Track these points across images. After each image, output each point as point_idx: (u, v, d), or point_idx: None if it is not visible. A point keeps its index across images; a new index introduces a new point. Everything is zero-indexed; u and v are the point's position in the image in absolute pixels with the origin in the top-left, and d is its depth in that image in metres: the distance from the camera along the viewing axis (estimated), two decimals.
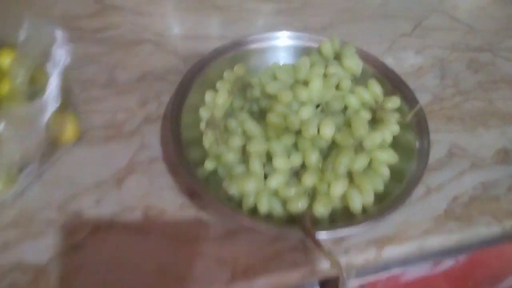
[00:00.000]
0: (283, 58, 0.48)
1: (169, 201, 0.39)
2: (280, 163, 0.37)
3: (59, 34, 0.35)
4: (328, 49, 0.45)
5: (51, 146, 0.38)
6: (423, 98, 0.43)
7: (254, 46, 0.48)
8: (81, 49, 0.52)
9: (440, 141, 0.40)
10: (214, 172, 0.40)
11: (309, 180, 0.37)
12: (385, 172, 0.39)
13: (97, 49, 0.53)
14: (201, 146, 0.41)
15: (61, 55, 0.34)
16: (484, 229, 0.40)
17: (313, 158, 0.38)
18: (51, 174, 0.40)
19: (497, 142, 0.47)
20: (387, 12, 0.63)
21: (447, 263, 0.47)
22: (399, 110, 0.42)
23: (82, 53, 0.52)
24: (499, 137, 0.47)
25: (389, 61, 0.53)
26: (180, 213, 0.39)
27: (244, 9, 0.61)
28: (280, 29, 0.57)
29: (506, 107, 0.50)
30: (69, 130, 0.41)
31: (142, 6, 0.60)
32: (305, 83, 0.42)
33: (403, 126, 0.41)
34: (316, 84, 0.41)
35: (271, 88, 0.42)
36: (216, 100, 0.43)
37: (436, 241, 0.39)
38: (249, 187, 0.36)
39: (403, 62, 0.54)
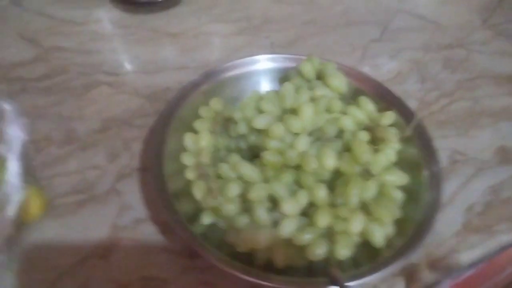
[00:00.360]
0: (260, 84, 0.44)
1: (168, 268, 0.34)
2: (289, 208, 0.33)
3: (7, 107, 0.28)
4: (308, 69, 0.42)
5: (16, 230, 0.32)
6: (409, 105, 0.40)
7: (227, 74, 0.44)
8: (27, 103, 0.46)
9: (439, 148, 0.38)
10: (212, 225, 0.35)
11: (323, 220, 0.33)
12: (398, 196, 0.36)
13: (46, 100, 0.46)
14: (190, 198, 0.35)
15: (15, 134, 0.27)
16: (506, 237, 0.38)
17: (321, 194, 0.34)
18: (22, 262, 0.33)
19: (493, 141, 0.45)
20: (351, 19, 0.60)
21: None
22: (394, 124, 0.39)
23: (29, 107, 0.45)
24: (493, 136, 0.46)
25: (366, 70, 0.51)
26: (183, 278, 0.33)
27: (201, 33, 0.57)
28: (244, 50, 0.54)
29: (492, 103, 0.49)
30: (33, 205, 0.34)
31: (87, 44, 0.54)
32: (294, 111, 0.38)
33: (403, 141, 0.39)
34: (308, 111, 0.37)
35: (259, 122, 0.37)
36: (199, 143, 0.38)
37: (462, 259, 0.36)
38: (261, 240, 0.32)
39: (380, 69, 0.52)
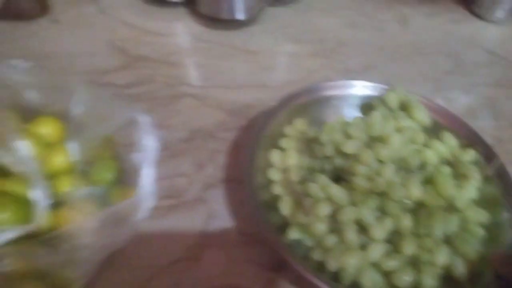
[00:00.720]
0: (340, 109, 0.46)
1: (253, 278, 0.36)
2: (378, 232, 0.35)
3: (144, 119, 0.31)
4: (393, 99, 0.44)
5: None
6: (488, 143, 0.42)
7: (309, 96, 0.46)
8: None
9: None
10: (297, 242, 0.37)
11: (409, 248, 0.34)
12: (480, 232, 0.37)
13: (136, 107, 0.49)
14: (276, 212, 0.38)
15: (150, 144, 0.30)
16: None
17: (407, 222, 0.35)
18: (119, 257, 0.36)
19: None
20: (422, 48, 0.62)
21: None
22: (474, 162, 0.41)
23: None
24: None
25: (439, 103, 0.52)
26: None
27: (277, 52, 0.59)
28: (320, 73, 0.56)
29: None
30: None
31: (171, 56, 0.57)
32: (382, 139, 0.40)
33: (483, 179, 0.40)
34: (396, 141, 0.39)
35: (349, 147, 0.39)
36: (286, 160, 0.40)
37: None
38: (350, 262, 0.33)
39: (453, 103, 0.53)
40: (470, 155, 0.40)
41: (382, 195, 0.37)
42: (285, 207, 0.38)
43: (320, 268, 0.35)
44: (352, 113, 0.46)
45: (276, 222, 0.37)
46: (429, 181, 0.38)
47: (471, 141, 0.42)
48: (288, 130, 0.43)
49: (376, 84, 0.46)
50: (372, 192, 0.37)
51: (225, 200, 0.41)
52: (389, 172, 0.38)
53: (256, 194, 0.37)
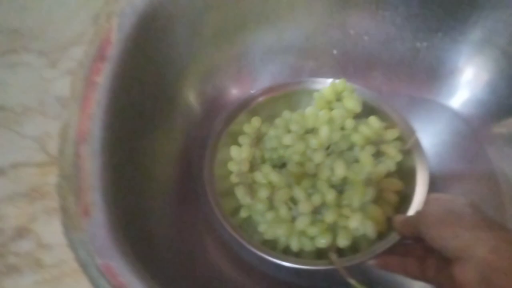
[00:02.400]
0: (298, 103, 0.54)
1: None
2: (304, 207, 0.43)
3: None
4: (330, 93, 0.50)
5: None
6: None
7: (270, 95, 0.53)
8: None
9: None
10: (249, 218, 0.47)
11: (329, 217, 0.43)
12: (394, 198, 0.45)
13: None
14: (233, 197, 0.47)
15: None
16: None
17: (331, 197, 0.44)
18: None
19: None
20: None
21: None
22: (399, 138, 0.48)
23: None
24: None
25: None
26: None
27: None
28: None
29: None
30: None
31: None
32: (315, 130, 0.49)
33: (404, 152, 0.47)
34: (324, 131, 0.47)
35: (286, 140, 0.48)
36: (241, 154, 0.49)
37: None
38: (280, 232, 0.43)
39: None
40: (391, 134, 0.48)
41: (314, 176, 0.46)
42: (239, 193, 0.47)
43: (263, 239, 0.44)
44: (303, 106, 0.53)
45: (232, 205, 0.47)
46: (357, 161, 0.47)
47: (396, 120, 0.49)
48: (246, 127, 0.52)
49: (323, 79, 0.53)
50: (305, 174, 0.46)
51: None
52: (318, 157, 0.46)
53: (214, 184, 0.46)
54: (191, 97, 0.50)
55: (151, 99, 0.42)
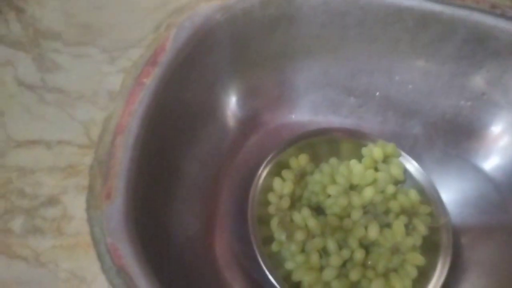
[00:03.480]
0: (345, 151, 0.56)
1: None
2: (336, 260, 0.45)
3: None
4: (379, 153, 0.53)
5: None
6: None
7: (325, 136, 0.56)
8: None
9: None
10: (278, 252, 0.48)
11: (354, 276, 0.45)
12: (414, 272, 0.46)
13: None
14: (267, 226, 0.49)
15: None
16: None
17: (360, 256, 0.46)
18: None
19: None
20: None
21: None
22: (431, 214, 0.49)
23: None
24: None
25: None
26: None
27: None
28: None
29: None
30: None
31: None
32: (359, 187, 0.51)
33: (433, 229, 0.48)
34: (368, 193, 0.49)
35: (331, 190, 0.50)
36: (284, 189, 0.51)
37: None
38: (307, 278, 0.45)
39: None
40: (424, 209, 0.49)
41: (347, 231, 0.48)
42: (274, 227, 0.49)
43: (287, 276, 0.46)
44: (347, 155, 0.55)
45: (264, 234, 0.49)
46: (388, 225, 0.48)
47: (431, 196, 0.50)
48: (292, 162, 0.54)
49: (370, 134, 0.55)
50: (340, 228, 0.48)
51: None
52: (356, 215, 0.48)
53: (255, 210, 0.49)
54: (229, 114, 0.53)
55: (190, 108, 0.46)
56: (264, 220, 0.50)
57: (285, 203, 0.51)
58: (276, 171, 0.53)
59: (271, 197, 0.52)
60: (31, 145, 0.37)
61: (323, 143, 0.56)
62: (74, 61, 0.41)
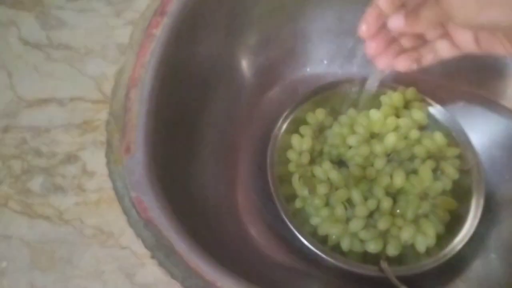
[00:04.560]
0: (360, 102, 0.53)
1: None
2: (361, 210, 0.44)
3: None
4: (399, 100, 0.51)
5: None
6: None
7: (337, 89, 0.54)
8: None
9: None
10: (301, 208, 0.47)
11: (383, 225, 0.43)
12: (446, 217, 0.44)
13: None
14: (289, 184, 0.48)
15: None
16: None
17: (387, 204, 0.44)
18: None
19: None
20: None
21: None
22: (460, 157, 0.47)
23: None
24: None
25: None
26: None
27: None
28: None
29: None
30: None
31: None
32: (380, 136, 0.49)
33: (463, 171, 0.46)
34: (390, 140, 0.47)
35: (351, 141, 0.48)
36: (302, 145, 0.50)
37: None
38: (334, 231, 0.44)
39: None
40: (452, 151, 0.47)
41: (372, 181, 0.46)
42: (296, 183, 0.48)
43: (313, 231, 0.45)
44: (367, 106, 0.52)
45: (287, 192, 0.48)
46: (414, 172, 0.46)
47: (458, 138, 0.48)
48: (309, 117, 0.52)
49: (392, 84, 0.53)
50: (364, 178, 0.46)
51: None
52: (379, 164, 0.46)
53: (275, 168, 0.47)
54: (245, 65, 0.51)
55: (203, 58, 0.44)
56: (286, 179, 0.49)
57: (305, 158, 0.49)
58: (294, 128, 0.51)
59: (291, 154, 0.50)
60: (43, 103, 0.36)
61: (339, 96, 0.54)
62: (79, 16, 0.39)
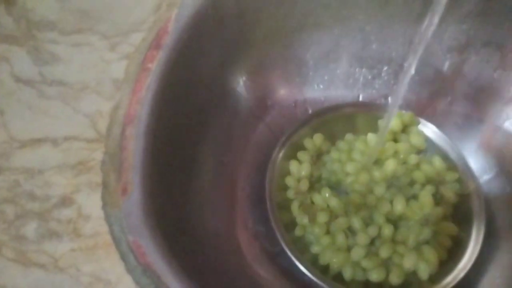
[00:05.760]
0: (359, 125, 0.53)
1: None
2: (362, 238, 0.43)
3: None
4: (398, 124, 0.50)
5: None
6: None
7: (334, 113, 0.53)
8: None
9: None
10: (302, 237, 0.46)
11: (384, 253, 0.43)
12: (448, 242, 0.44)
13: None
14: (288, 211, 0.47)
15: None
16: None
17: (387, 231, 0.44)
18: None
19: None
20: None
21: None
22: (459, 181, 0.47)
23: None
24: None
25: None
26: None
27: None
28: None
29: None
30: None
31: None
32: (379, 161, 0.48)
33: (463, 196, 0.46)
34: (390, 166, 0.47)
35: (350, 168, 0.48)
36: (301, 171, 0.49)
37: None
38: (336, 260, 0.43)
39: None
40: (451, 176, 0.47)
41: (372, 207, 0.46)
42: (296, 211, 0.47)
43: (314, 260, 0.44)
44: (363, 129, 0.52)
45: (287, 219, 0.47)
46: (414, 197, 0.46)
47: (457, 162, 0.48)
48: (307, 143, 0.51)
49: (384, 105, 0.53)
50: (364, 204, 0.46)
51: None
52: (379, 191, 0.46)
53: (273, 196, 0.46)
54: (241, 90, 0.51)
55: (200, 87, 0.43)
56: (284, 205, 0.48)
57: (304, 185, 0.48)
58: (291, 154, 0.50)
59: (289, 181, 0.50)
60: (36, 144, 0.35)
61: (336, 120, 0.53)
62: (73, 50, 0.38)
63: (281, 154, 0.50)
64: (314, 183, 0.50)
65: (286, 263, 0.44)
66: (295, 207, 0.47)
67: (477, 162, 0.49)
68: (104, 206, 0.32)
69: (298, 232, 0.46)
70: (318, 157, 0.52)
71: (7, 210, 0.32)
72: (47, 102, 0.36)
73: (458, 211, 0.46)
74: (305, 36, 0.51)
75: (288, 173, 0.50)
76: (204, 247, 0.40)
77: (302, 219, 0.46)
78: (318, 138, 0.52)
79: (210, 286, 0.32)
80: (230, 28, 0.46)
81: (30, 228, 0.32)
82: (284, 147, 0.50)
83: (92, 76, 0.37)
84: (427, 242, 0.44)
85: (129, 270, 0.30)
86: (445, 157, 0.49)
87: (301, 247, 0.45)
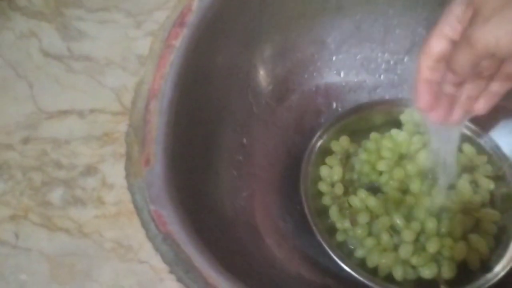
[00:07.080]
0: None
1: None
2: (407, 235, 0.42)
3: None
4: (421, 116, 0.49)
5: None
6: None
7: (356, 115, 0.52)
8: None
9: None
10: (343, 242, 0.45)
11: (432, 247, 0.42)
12: (493, 228, 0.43)
13: None
14: (325, 218, 0.46)
15: None
16: None
17: (431, 225, 0.43)
18: None
19: None
20: None
21: None
22: (491, 162, 0.46)
23: None
24: None
25: None
26: None
27: None
28: None
29: None
30: None
31: None
32: (409, 156, 0.47)
33: (498, 181, 0.45)
34: (421, 157, 0.46)
35: (381, 166, 0.47)
36: (333, 176, 0.48)
37: None
38: (384, 260, 0.42)
39: None
40: (483, 158, 0.46)
41: (411, 203, 0.44)
42: (334, 216, 0.46)
43: (361, 263, 0.43)
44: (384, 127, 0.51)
45: (325, 227, 0.45)
46: (451, 187, 0.45)
47: (485, 145, 0.47)
48: (334, 146, 0.50)
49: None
50: (402, 201, 0.45)
51: None
52: (415, 185, 0.45)
53: (310, 203, 0.46)
54: (262, 73, 0.51)
55: (222, 68, 0.44)
56: (320, 211, 0.46)
57: (339, 189, 0.47)
58: (319, 159, 0.49)
59: (322, 187, 0.48)
60: (63, 115, 0.36)
61: (358, 121, 0.52)
62: (99, 27, 0.39)
63: (311, 161, 0.49)
64: (348, 187, 0.48)
65: (330, 266, 0.43)
66: (334, 212, 0.46)
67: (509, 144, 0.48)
68: (127, 176, 0.33)
69: (339, 237, 0.45)
70: (346, 159, 0.50)
71: (35, 177, 0.33)
72: (74, 76, 0.37)
73: (496, 196, 0.45)
74: (326, 20, 0.51)
75: (319, 179, 0.49)
76: (222, 223, 0.40)
77: (343, 223, 0.45)
78: (344, 141, 0.51)
79: (227, 259, 0.32)
80: (253, 10, 0.46)
81: (56, 195, 0.33)
82: (312, 153, 0.49)
83: (117, 52, 0.38)
84: (472, 231, 0.43)
85: (150, 238, 0.31)
86: (474, 142, 0.48)
87: (345, 252, 0.44)
